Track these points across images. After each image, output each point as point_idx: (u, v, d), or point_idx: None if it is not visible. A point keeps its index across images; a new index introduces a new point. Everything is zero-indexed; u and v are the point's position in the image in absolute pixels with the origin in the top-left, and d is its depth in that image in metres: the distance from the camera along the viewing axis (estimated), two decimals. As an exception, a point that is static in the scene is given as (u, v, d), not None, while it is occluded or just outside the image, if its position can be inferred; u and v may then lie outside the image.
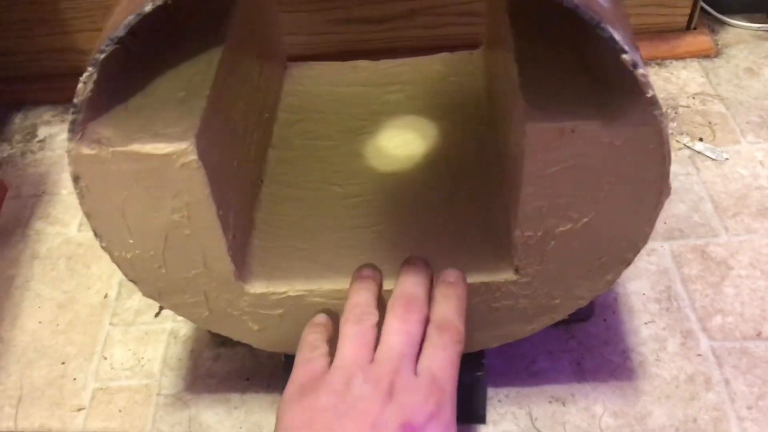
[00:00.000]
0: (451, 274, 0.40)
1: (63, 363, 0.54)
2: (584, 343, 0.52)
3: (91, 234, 0.39)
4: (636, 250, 0.40)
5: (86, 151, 0.35)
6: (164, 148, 0.35)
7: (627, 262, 0.41)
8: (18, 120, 0.77)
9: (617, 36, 0.31)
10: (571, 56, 0.38)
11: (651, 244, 0.56)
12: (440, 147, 0.51)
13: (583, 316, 0.52)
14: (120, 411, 0.51)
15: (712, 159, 0.64)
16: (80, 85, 0.34)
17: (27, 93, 0.78)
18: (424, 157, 0.51)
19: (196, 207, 0.37)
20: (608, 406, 0.48)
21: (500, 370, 0.50)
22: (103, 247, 0.40)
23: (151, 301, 0.44)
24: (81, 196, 0.38)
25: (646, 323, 0.52)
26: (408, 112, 0.54)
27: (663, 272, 0.56)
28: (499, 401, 0.49)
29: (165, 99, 0.38)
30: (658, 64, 0.74)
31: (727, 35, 0.77)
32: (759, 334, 0.51)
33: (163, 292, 0.43)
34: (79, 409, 0.51)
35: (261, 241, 0.46)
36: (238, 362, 0.53)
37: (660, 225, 0.42)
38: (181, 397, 0.51)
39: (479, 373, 0.47)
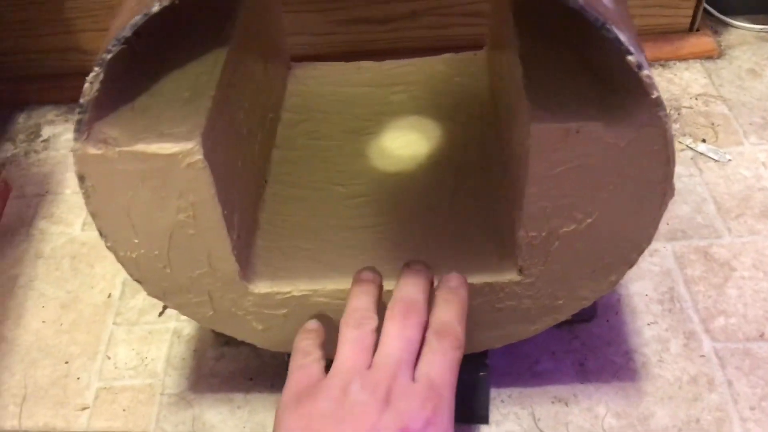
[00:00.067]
0: (453, 279, 0.39)
1: (67, 362, 0.54)
2: (587, 344, 0.52)
3: (94, 233, 0.40)
4: (640, 251, 0.40)
5: (92, 150, 0.36)
6: (170, 148, 0.35)
7: (631, 263, 0.41)
8: (22, 120, 0.77)
9: (622, 37, 0.31)
10: (576, 57, 0.38)
11: (654, 245, 0.56)
12: (444, 147, 0.52)
13: (586, 316, 0.52)
14: (124, 410, 0.51)
15: (715, 160, 0.64)
16: (86, 85, 0.34)
17: (31, 93, 0.78)
18: (428, 158, 0.51)
19: (201, 207, 0.38)
20: (611, 407, 0.48)
21: (503, 371, 0.50)
22: (108, 247, 0.40)
23: (154, 300, 0.44)
24: (86, 196, 0.38)
25: (649, 324, 0.52)
26: (412, 112, 0.54)
27: (666, 273, 0.56)
28: (502, 401, 0.49)
29: (170, 99, 0.38)
30: (661, 65, 0.74)
31: (730, 36, 0.77)
32: (762, 336, 0.51)
33: (167, 292, 0.43)
34: (83, 409, 0.51)
35: (265, 241, 0.46)
36: (242, 362, 0.53)
37: (663, 226, 0.43)
38: (184, 397, 0.51)
39: (482, 374, 0.48)
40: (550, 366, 0.51)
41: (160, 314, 0.57)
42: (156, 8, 0.32)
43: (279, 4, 0.57)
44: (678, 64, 0.75)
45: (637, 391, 0.49)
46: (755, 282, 0.55)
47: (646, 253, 0.40)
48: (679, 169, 0.62)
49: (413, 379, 0.36)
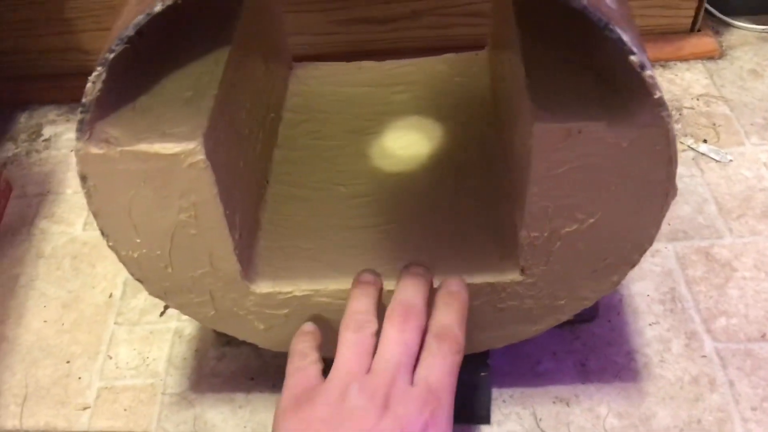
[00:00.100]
0: (453, 283, 0.39)
1: (68, 362, 0.54)
2: (589, 344, 0.52)
3: (96, 233, 0.40)
4: (642, 251, 0.40)
5: (94, 150, 0.36)
6: (172, 148, 0.35)
7: (632, 263, 0.41)
8: (23, 119, 0.77)
9: (625, 37, 0.31)
10: (578, 57, 0.38)
11: (655, 246, 0.56)
12: (445, 147, 0.52)
13: (587, 317, 0.52)
14: (125, 410, 0.51)
15: (716, 161, 0.64)
16: (89, 85, 0.34)
17: (32, 92, 0.78)
18: (429, 158, 0.51)
19: (203, 207, 0.38)
20: (613, 407, 0.48)
21: (505, 371, 0.50)
22: (110, 247, 0.40)
23: (155, 300, 0.44)
24: (88, 196, 0.38)
25: (650, 324, 0.52)
26: (413, 112, 0.54)
27: (667, 274, 0.56)
28: (504, 401, 0.49)
29: (172, 99, 0.38)
30: (662, 65, 0.74)
31: (731, 37, 0.77)
32: (763, 336, 0.51)
33: (169, 292, 0.43)
34: (84, 408, 0.51)
35: (266, 241, 0.46)
36: (243, 362, 0.53)
37: (664, 226, 0.43)
38: (185, 397, 0.51)
39: (484, 374, 0.48)
40: (552, 366, 0.51)
41: (162, 314, 0.57)
42: (159, 8, 0.32)
43: (280, 4, 0.57)
44: (679, 64, 0.75)
45: (638, 392, 0.49)
46: (756, 282, 0.54)
47: (647, 253, 0.40)
48: (680, 170, 0.62)
49: (412, 383, 0.36)
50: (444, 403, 0.35)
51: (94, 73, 0.33)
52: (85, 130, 0.35)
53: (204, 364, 0.53)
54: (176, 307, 0.44)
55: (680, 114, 0.69)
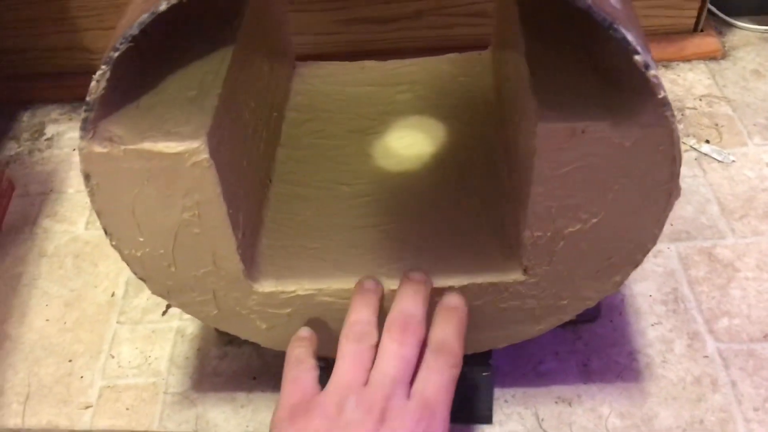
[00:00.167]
0: (453, 298, 0.40)
1: (70, 361, 0.54)
2: (591, 345, 0.52)
3: (98, 232, 0.40)
4: (645, 251, 0.40)
5: (98, 149, 0.36)
6: (176, 147, 0.35)
7: (635, 264, 0.41)
8: (26, 118, 0.77)
9: (630, 37, 0.31)
10: (582, 57, 0.38)
11: (658, 246, 0.56)
12: (448, 147, 0.52)
13: (589, 317, 0.52)
14: (127, 409, 0.51)
15: (719, 161, 0.64)
16: (93, 83, 0.34)
17: (35, 91, 0.78)
18: (433, 157, 0.51)
19: (206, 206, 0.38)
20: (615, 407, 0.48)
21: (507, 371, 0.50)
22: (113, 245, 0.40)
23: (158, 299, 0.44)
24: (92, 194, 0.38)
25: (652, 325, 0.52)
26: (416, 112, 0.54)
27: (670, 274, 0.56)
28: (506, 401, 0.49)
29: (176, 97, 0.38)
30: (664, 65, 0.74)
31: (734, 37, 0.77)
32: (766, 336, 0.51)
33: (172, 291, 0.43)
34: (87, 407, 0.51)
35: (270, 240, 0.46)
36: (245, 361, 0.53)
37: (666, 227, 0.42)
38: (188, 396, 0.51)
39: (486, 373, 0.48)
40: (554, 366, 0.51)
41: (164, 313, 0.57)
42: (163, 6, 0.32)
43: (284, 4, 0.57)
44: (682, 64, 0.75)
45: (640, 392, 0.49)
46: (759, 283, 0.54)
47: (650, 253, 0.40)
48: (682, 170, 0.61)
49: (409, 396, 0.36)
50: (439, 417, 0.36)
51: (99, 72, 0.33)
52: (88, 128, 0.35)
53: (206, 364, 0.53)
54: (179, 306, 0.44)
55: (683, 114, 0.69)
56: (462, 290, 0.42)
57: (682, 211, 0.60)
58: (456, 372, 0.37)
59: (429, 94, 0.56)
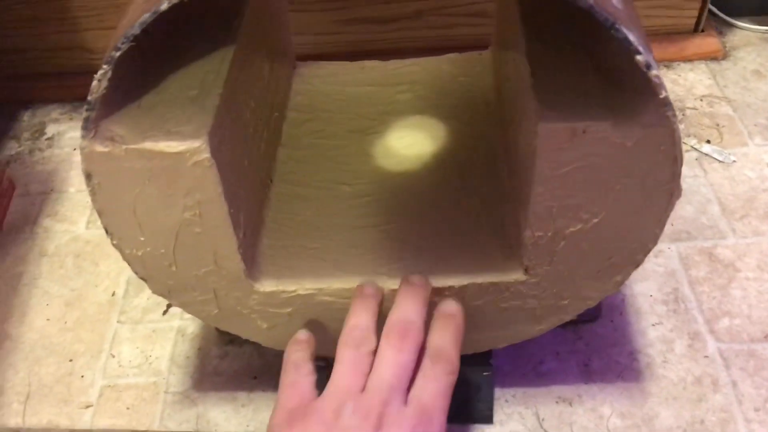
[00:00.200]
0: (451, 305, 0.40)
1: (71, 360, 0.54)
2: (591, 345, 0.52)
3: (99, 232, 0.40)
4: (646, 251, 0.40)
5: (99, 148, 0.36)
6: (177, 146, 0.35)
7: (636, 263, 0.41)
8: (26, 118, 0.77)
9: (631, 37, 0.31)
10: (583, 57, 0.38)
11: (658, 246, 0.56)
12: (449, 147, 0.52)
13: (590, 317, 0.52)
14: (128, 408, 0.51)
15: (720, 161, 0.64)
16: (95, 83, 0.34)
17: (35, 91, 0.78)
18: (433, 157, 0.51)
19: (207, 205, 0.38)
20: (615, 407, 0.48)
21: (507, 371, 0.50)
22: (114, 245, 0.40)
23: (158, 299, 0.44)
24: (93, 194, 0.38)
25: (653, 325, 0.52)
26: (417, 112, 0.54)
27: (670, 274, 0.56)
28: (506, 401, 0.49)
29: (178, 97, 0.38)
30: (665, 65, 0.74)
31: (734, 37, 0.77)
32: (766, 336, 0.51)
33: (172, 290, 0.43)
34: (87, 407, 0.51)
35: (270, 239, 0.46)
36: (246, 360, 0.53)
37: (667, 227, 0.43)
38: (188, 395, 0.51)
39: (486, 373, 0.48)
40: (555, 366, 0.51)
41: (164, 312, 0.57)
42: (165, 6, 0.32)
43: (284, 4, 0.57)
44: (682, 64, 0.75)
45: (641, 392, 0.49)
46: (760, 283, 0.54)
47: (650, 253, 0.40)
48: (683, 170, 0.62)
49: (406, 402, 0.36)
50: (436, 423, 0.36)
51: (100, 71, 0.33)
52: (90, 127, 0.35)
53: (207, 363, 0.53)
54: (180, 306, 0.44)
55: (683, 114, 0.69)
56: (462, 290, 0.42)
57: (682, 211, 0.60)
58: (453, 379, 0.37)
59: (429, 94, 0.56)
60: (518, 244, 0.42)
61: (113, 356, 0.54)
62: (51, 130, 0.75)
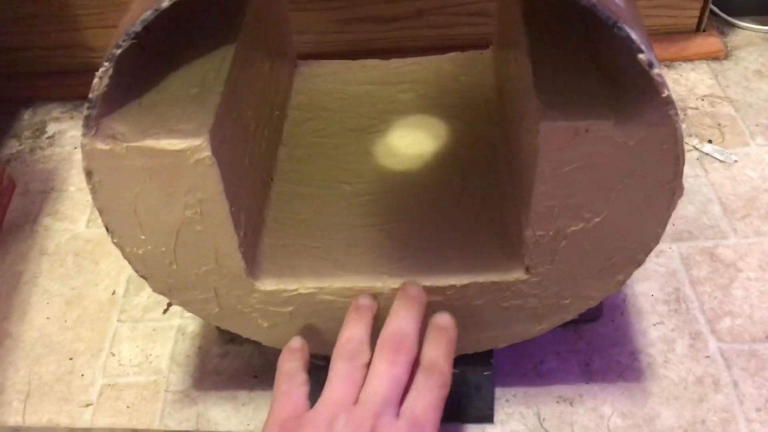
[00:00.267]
0: (443, 319, 0.40)
1: (71, 359, 0.54)
2: (592, 344, 0.52)
3: (99, 230, 0.40)
4: (647, 251, 0.40)
5: (100, 146, 0.35)
6: (178, 144, 0.35)
7: (638, 263, 0.41)
8: (27, 116, 0.77)
9: (634, 35, 0.31)
10: (585, 56, 0.38)
11: (659, 246, 0.56)
12: (450, 146, 0.51)
13: (591, 317, 0.52)
14: (128, 407, 0.51)
15: (721, 161, 0.64)
16: (96, 80, 0.34)
17: (36, 89, 0.78)
18: (434, 156, 0.51)
19: (208, 204, 0.38)
20: (616, 407, 0.48)
21: (508, 370, 0.50)
22: (114, 243, 0.40)
23: (158, 297, 0.44)
24: (94, 191, 0.38)
25: (654, 325, 0.52)
26: (418, 110, 0.54)
27: (671, 274, 0.55)
28: (507, 401, 0.49)
29: (179, 95, 0.38)
30: (666, 65, 0.74)
31: (736, 37, 0.77)
32: (768, 337, 0.51)
33: (173, 288, 0.43)
34: (87, 405, 0.51)
35: (271, 238, 0.46)
36: (246, 360, 0.53)
37: (669, 227, 0.42)
38: (189, 394, 0.51)
39: (487, 373, 0.48)
40: (556, 366, 0.51)
41: (165, 311, 0.57)
42: (166, 3, 0.32)
43: (286, 3, 0.57)
44: (684, 64, 0.74)
45: (642, 392, 0.49)
46: (761, 283, 0.54)
47: (651, 253, 0.40)
48: (684, 170, 0.62)
49: (398, 414, 0.36)
50: None
51: (101, 69, 0.33)
52: (91, 125, 0.35)
53: (207, 362, 0.53)
54: (180, 304, 0.44)
55: (685, 114, 0.69)
56: (463, 289, 0.42)
57: (684, 211, 0.60)
58: (445, 392, 0.38)
59: (430, 93, 0.56)
60: (519, 243, 0.42)
61: (113, 355, 0.54)
62: (52, 128, 0.75)
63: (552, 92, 0.36)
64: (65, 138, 0.74)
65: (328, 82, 0.57)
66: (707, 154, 0.65)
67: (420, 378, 0.37)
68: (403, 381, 0.37)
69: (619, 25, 0.31)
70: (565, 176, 0.36)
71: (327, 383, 0.38)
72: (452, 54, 0.58)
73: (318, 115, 0.55)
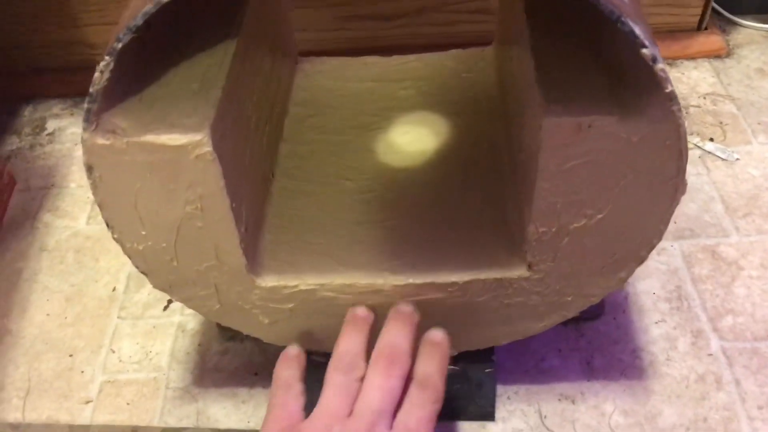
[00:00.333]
0: (436, 335, 0.40)
1: (71, 356, 0.54)
2: (594, 342, 0.51)
3: (99, 227, 0.39)
4: (650, 248, 0.40)
5: (101, 141, 0.35)
6: (179, 139, 0.35)
7: (640, 260, 0.40)
8: (27, 113, 0.77)
9: (637, 30, 0.31)
10: (587, 51, 0.38)
11: (661, 244, 0.55)
12: (452, 143, 0.51)
13: (593, 314, 0.52)
14: (128, 404, 0.51)
15: (723, 159, 0.64)
16: (97, 74, 0.34)
17: (36, 86, 0.78)
18: (436, 153, 0.51)
19: (209, 199, 0.37)
20: (618, 405, 0.48)
21: (510, 368, 0.50)
22: (115, 239, 0.40)
23: (159, 294, 0.44)
24: (94, 187, 0.38)
25: (656, 322, 0.52)
26: (419, 107, 0.54)
27: (673, 272, 0.55)
28: (509, 398, 0.49)
29: (180, 90, 0.38)
30: (669, 63, 0.74)
31: (738, 36, 0.77)
32: (770, 335, 0.51)
33: (174, 285, 0.43)
34: (87, 402, 0.51)
35: (272, 234, 0.46)
36: (247, 357, 0.53)
37: (670, 225, 0.42)
38: (189, 391, 0.51)
39: (489, 370, 0.48)
40: (557, 363, 0.50)
41: (165, 308, 0.56)
42: (167, -3, 0.32)
43: (287, 0, 0.57)
44: (686, 62, 0.74)
45: (644, 390, 0.49)
46: (763, 281, 0.54)
47: (653, 251, 0.40)
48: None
49: (391, 427, 0.37)
50: None
51: (102, 63, 0.33)
52: (92, 120, 0.35)
53: (207, 359, 0.53)
54: (181, 301, 0.44)
55: (687, 112, 0.69)
56: (465, 286, 0.42)
57: (686, 209, 0.60)
58: (438, 407, 0.38)
59: (432, 89, 0.55)
60: (522, 240, 0.41)
61: (113, 352, 0.54)
62: (52, 125, 0.75)
63: (555, 88, 0.35)
64: (65, 135, 0.73)
65: (330, 79, 0.57)
66: (709, 153, 0.65)
67: (414, 392, 0.38)
68: (396, 394, 0.38)
69: (622, 19, 0.30)
70: (568, 172, 0.36)
71: (322, 395, 0.38)
72: (454, 51, 0.58)
73: (319, 112, 0.55)
